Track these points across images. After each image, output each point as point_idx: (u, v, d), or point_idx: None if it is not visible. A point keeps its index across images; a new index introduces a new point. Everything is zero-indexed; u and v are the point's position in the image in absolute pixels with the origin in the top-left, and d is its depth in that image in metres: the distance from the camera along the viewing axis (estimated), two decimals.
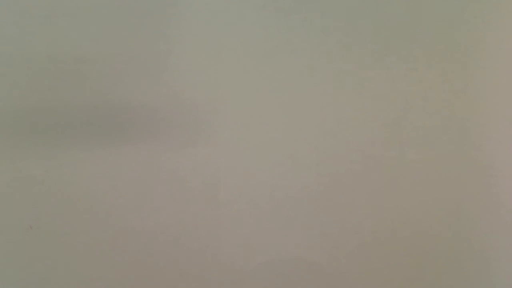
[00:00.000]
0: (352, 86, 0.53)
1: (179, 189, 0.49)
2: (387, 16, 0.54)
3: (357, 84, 0.53)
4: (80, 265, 0.47)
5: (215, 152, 0.50)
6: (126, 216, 0.49)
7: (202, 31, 0.51)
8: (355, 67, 0.53)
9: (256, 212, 0.50)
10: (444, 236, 0.52)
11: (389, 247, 0.53)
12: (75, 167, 0.48)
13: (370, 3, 0.54)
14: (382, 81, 0.53)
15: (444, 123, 0.53)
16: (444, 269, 0.51)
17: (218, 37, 0.52)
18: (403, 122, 0.53)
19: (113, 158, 0.49)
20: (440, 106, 0.53)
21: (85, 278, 0.47)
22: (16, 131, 0.47)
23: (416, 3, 0.55)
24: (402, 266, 0.53)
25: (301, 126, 0.52)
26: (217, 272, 0.49)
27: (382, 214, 0.52)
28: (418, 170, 0.53)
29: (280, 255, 0.49)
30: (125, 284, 0.47)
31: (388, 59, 0.53)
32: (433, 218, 0.53)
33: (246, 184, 0.50)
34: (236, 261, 0.49)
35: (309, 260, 0.49)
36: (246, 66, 0.52)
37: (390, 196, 0.52)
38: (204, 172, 0.50)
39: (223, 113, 0.51)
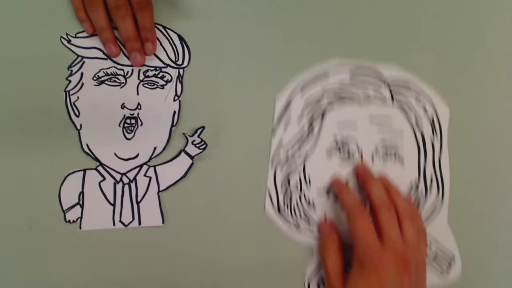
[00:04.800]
0: None
1: (179, 189, 0.49)
2: (388, 16, 0.54)
3: None
4: (80, 265, 0.47)
5: (216, 152, 0.50)
6: None
7: (204, 32, 0.51)
8: None
9: (256, 212, 0.50)
10: None
11: None
12: (72, 161, 0.48)
13: (371, 3, 0.54)
14: None
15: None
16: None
17: (220, 38, 0.51)
18: None
19: None
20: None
21: (85, 278, 0.47)
22: (16, 131, 0.48)
23: (417, 2, 0.55)
24: None
25: None
26: (217, 271, 0.49)
27: None
28: None
29: (280, 255, 0.49)
30: (125, 283, 0.47)
31: (388, 59, 0.53)
32: None
33: (246, 185, 0.50)
34: (236, 261, 0.49)
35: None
36: (248, 67, 0.51)
37: None
38: (205, 172, 0.49)
39: (224, 113, 0.50)
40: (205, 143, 0.49)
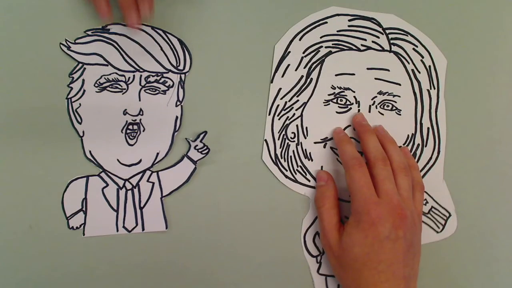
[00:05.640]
0: None
1: (183, 194, 0.49)
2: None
3: None
4: (80, 265, 0.47)
5: (219, 156, 0.50)
6: None
7: (205, 37, 0.51)
8: None
9: (259, 214, 0.50)
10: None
11: None
12: (75, 167, 0.48)
13: (372, 2, 0.54)
14: None
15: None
16: (444, 268, 0.52)
17: (221, 42, 0.51)
18: None
19: None
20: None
21: (85, 278, 0.47)
22: (18, 139, 0.47)
23: (419, 2, 0.55)
24: None
25: None
26: (221, 275, 0.49)
27: None
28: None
29: (280, 255, 0.50)
30: (125, 284, 0.47)
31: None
32: None
33: (249, 189, 0.50)
34: (239, 263, 0.49)
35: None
36: (250, 71, 0.51)
37: None
38: (208, 177, 0.50)
39: (226, 118, 0.51)
40: (207, 148, 0.49)
